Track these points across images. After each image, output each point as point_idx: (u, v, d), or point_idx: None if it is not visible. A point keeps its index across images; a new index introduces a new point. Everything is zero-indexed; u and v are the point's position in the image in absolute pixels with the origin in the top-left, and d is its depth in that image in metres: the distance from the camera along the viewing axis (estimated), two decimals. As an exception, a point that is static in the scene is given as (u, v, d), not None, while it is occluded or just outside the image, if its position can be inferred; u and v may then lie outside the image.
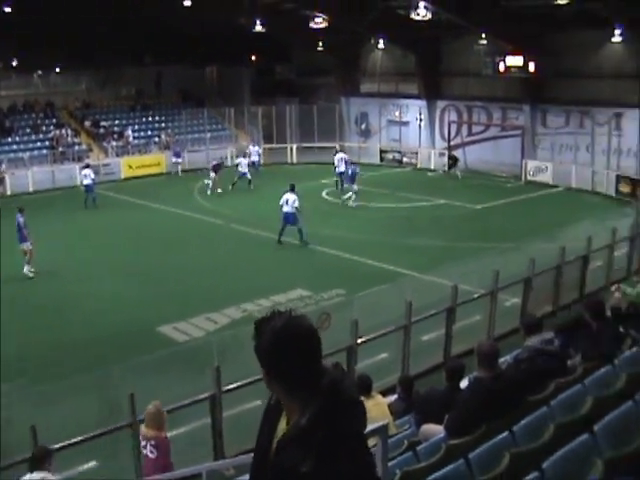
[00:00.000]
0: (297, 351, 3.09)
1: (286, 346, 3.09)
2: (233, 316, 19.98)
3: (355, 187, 34.53)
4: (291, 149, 48.06)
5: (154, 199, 36.12)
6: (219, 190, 37.25)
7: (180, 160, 44.15)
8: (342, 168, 37.69)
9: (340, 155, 38.47)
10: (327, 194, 36.67)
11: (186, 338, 18.72)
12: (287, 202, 27.33)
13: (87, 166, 37.11)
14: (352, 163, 36.88)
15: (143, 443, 10.54)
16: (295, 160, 47.56)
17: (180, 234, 29.61)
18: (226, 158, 45.59)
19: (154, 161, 45.18)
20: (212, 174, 37.50)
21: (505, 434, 6.92)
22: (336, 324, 14.73)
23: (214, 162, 39.28)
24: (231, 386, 13.06)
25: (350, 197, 34.53)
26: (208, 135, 48.31)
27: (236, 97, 52.54)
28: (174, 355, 15.81)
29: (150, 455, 10.48)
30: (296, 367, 3.10)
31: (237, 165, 39.40)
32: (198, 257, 26.29)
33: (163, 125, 49.78)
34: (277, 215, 27.50)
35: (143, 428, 10.64)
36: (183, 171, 44.15)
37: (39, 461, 9.15)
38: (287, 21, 45.87)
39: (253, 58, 55.17)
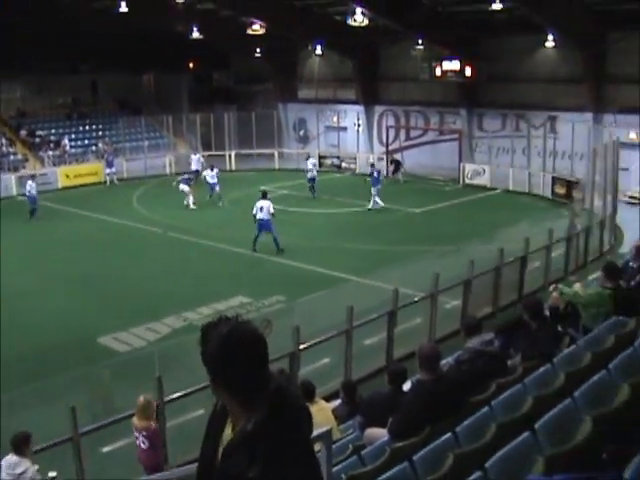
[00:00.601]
0: (244, 356, 3.10)
1: (233, 351, 3.09)
2: (174, 325, 19.80)
3: (374, 190, 34.48)
4: (230, 156, 47.84)
5: (92, 209, 35.65)
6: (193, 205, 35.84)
7: (114, 170, 43.47)
8: (315, 173, 37.84)
9: (312, 160, 38.58)
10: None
11: (127, 348, 18.51)
12: (261, 209, 26.83)
13: (32, 177, 36.31)
14: (371, 165, 36.90)
15: (135, 435, 11.01)
16: (234, 167, 47.39)
17: (119, 244, 29.27)
18: (164, 167, 45.56)
19: (91, 170, 44.49)
20: (186, 187, 35.88)
21: (448, 435, 6.97)
22: (278, 330, 14.50)
23: (185, 176, 37.16)
24: (174, 395, 12.95)
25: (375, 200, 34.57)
26: (146, 143, 47.88)
27: (174, 105, 52.23)
28: (115, 366, 15.63)
29: (142, 446, 10.99)
30: (243, 373, 3.10)
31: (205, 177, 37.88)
32: (138, 266, 26.03)
33: (100, 134, 49.23)
34: (216, 223, 27.31)
35: (135, 420, 11.06)
36: (121, 180, 43.68)
37: (17, 447, 9.59)
38: (224, 28, 45.81)
39: (190, 65, 54.99)
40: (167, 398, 12.75)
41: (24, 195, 35.13)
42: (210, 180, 37.11)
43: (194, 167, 41.00)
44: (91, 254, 27.74)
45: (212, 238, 28.55)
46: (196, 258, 26.99)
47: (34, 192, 34.58)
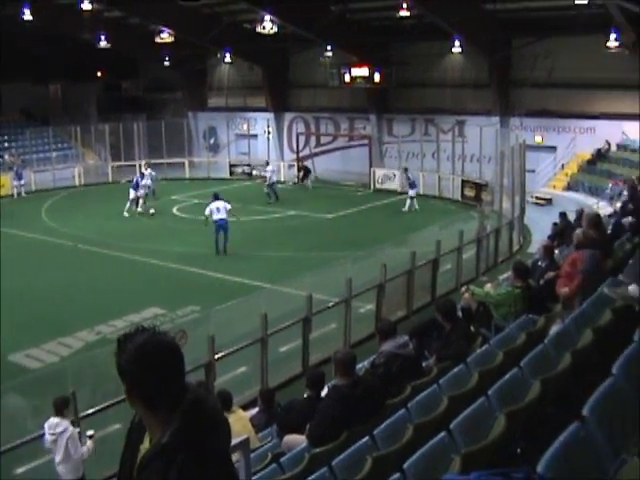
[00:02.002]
0: (159, 367, 3.07)
1: (149, 362, 3.06)
2: (87, 339, 19.41)
3: (412, 193, 35.22)
4: (139, 166, 47.06)
5: (-1, 222, 34.79)
6: (140, 210, 35.28)
7: (22, 182, 42.43)
8: (274, 179, 38.22)
9: (271, 167, 38.63)
10: (177, 210, 36.32)
11: (39, 365, 18.11)
12: (218, 210, 26.98)
13: None
14: (405, 169, 37.52)
15: None
16: (144, 176, 46.86)
17: (28, 257, 28.61)
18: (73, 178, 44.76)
19: (-3, 183, 43.44)
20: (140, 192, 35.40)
21: (366, 439, 7.01)
22: (193, 341, 14.56)
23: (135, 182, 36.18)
24: (89, 411, 12.71)
25: (411, 204, 35.03)
26: (54, 154, 46.94)
27: (82, 114, 51.43)
28: (27, 383, 15.26)
29: None
30: (158, 384, 3.07)
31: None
32: (47, 280, 25.42)
33: (6, 145, 48.09)
34: (127, 234, 26.80)
35: None
36: (29, 192, 42.72)
37: (57, 409, 10.73)
38: (132, 36, 45.30)
39: (99, 74, 54.15)
40: (82, 414, 12.50)
41: None
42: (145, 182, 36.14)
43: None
44: (-1, 269, 27.07)
45: (124, 249, 28.15)
46: (108, 270, 26.52)
47: None
